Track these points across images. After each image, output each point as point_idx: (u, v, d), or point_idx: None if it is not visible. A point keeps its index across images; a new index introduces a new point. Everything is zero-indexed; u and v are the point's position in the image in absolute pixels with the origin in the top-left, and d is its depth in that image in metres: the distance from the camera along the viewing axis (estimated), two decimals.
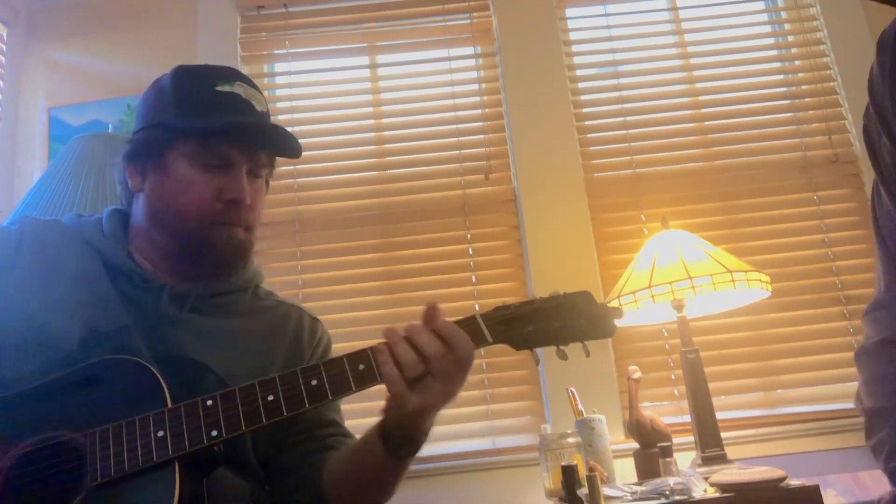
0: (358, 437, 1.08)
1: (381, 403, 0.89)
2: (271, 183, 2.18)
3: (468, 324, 0.91)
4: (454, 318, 0.91)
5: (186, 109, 1.00)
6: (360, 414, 1.70)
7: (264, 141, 1.04)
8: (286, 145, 1.05)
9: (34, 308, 0.94)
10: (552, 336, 0.92)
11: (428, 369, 0.83)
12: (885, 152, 0.77)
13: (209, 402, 0.84)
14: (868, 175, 2.10)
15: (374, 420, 0.93)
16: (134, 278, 1.00)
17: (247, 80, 1.05)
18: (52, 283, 0.97)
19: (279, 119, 2.27)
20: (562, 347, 0.92)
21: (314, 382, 0.85)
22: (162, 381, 0.86)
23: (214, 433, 0.82)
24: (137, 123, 1.06)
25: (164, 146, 1.00)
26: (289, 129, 2.30)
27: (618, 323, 1.67)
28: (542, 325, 0.92)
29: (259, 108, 1.03)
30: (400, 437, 0.89)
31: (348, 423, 1.14)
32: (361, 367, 0.86)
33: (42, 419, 0.83)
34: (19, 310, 0.94)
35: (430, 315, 0.87)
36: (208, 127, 0.98)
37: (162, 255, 1.02)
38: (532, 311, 0.93)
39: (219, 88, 1.01)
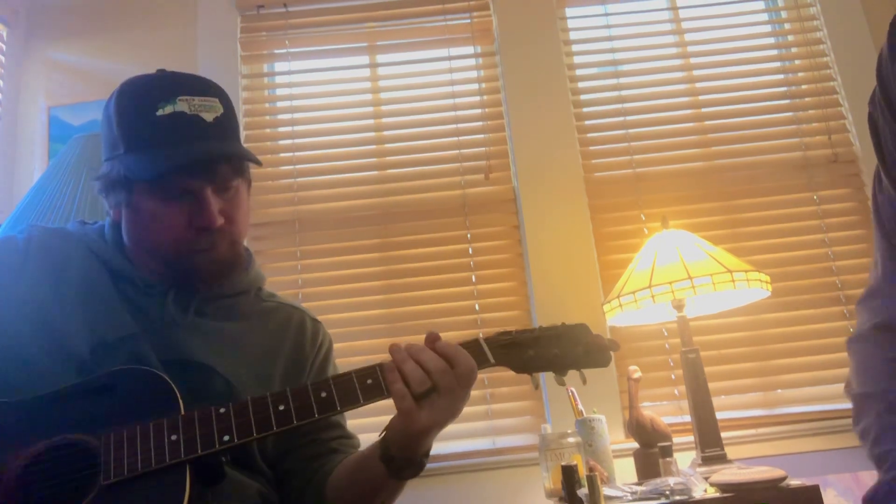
0: (360, 438, 1.12)
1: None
2: (271, 183, 2.21)
3: (472, 345, 0.95)
4: (459, 341, 0.94)
5: (132, 145, 0.96)
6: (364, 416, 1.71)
7: (218, 159, 0.98)
8: (243, 155, 1.01)
9: (44, 317, 0.95)
10: (551, 362, 0.97)
11: (434, 385, 0.86)
12: (889, 137, 0.77)
13: (222, 410, 0.86)
14: (868, 174, 2.10)
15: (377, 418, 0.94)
16: (138, 285, 1.00)
17: (192, 89, 0.98)
18: (60, 291, 0.97)
19: (279, 119, 2.27)
20: (559, 374, 0.97)
21: (324, 395, 0.88)
22: (175, 389, 0.87)
23: (226, 438, 0.84)
24: (102, 152, 1.03)
25: (126, 183, 0.97)
26: (289, 128, 2.32)
27: (609, 321, 1.68)
28: (542, 351, 0.97)
29: (210, 117, 0.97)
30: (401, 459, 0.91)
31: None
32: (369, 381, 0.89)
33: (56, 423, 0.84)
34: (30, 319, 0.95)
35: (431, 340, 0.92)
36: (154, 167, 0.94)
37: (157, 268, 1.02)
38: (532, 338, 0.98)
39: (160, 113, 0.95)
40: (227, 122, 1.00)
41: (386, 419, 0.94)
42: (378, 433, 0.95)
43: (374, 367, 0.90)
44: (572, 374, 0.97)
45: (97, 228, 1.07)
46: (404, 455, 0.91)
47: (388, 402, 0.89)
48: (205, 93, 0.99)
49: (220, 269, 1.01)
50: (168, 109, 0.95)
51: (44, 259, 1.00)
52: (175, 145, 0.95)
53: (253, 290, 1.12)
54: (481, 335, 0.97)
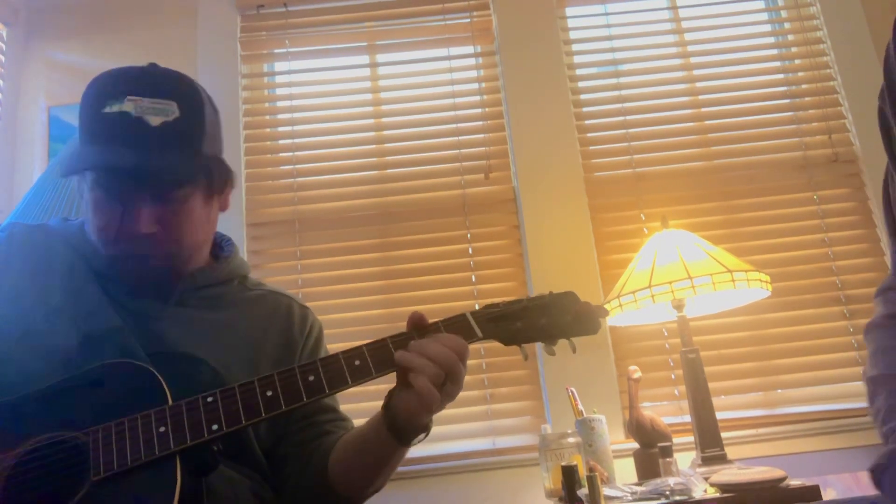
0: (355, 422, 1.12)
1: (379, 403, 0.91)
2: (271, 183, 2.21)
3: (459, 320, 0.95)
4: (446, 317, 0.94)
5: (82, 137, 0.94)
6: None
7: (136, 170, 0.92)
8: (168, 169, 0.93)
9: (28, 314, 0.95)
10: (540, 332, 0.96)
11: (447, 376, 0.87)
12: None
13: (209, 399, 0.85)
14: (868, 174, 2.10)
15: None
16: (116, 279, 1.00)
17: (147, 89, 0.94)
18: (43, 288, 0.97)
19: (279, 119, 2.27)
20: (549, 344, 0.96)
21: (311, 378, 0.88)
22: (163, 381, 0.87)
23: (215, 427, 0.83)
24: None
25: (79, 173, 0.96)
26: (289, 128, 2.32)
27: (609, 321, 1.69)
28: (530, 321, 0.96)
29: (157, 121, 0.92)
30: (411, 428, 0.92)
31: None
32: (357, 362, 0.89)
33: (45, 421, 0.84)
34: (13, 316, 0.95)
35: (416, 323, 0.92)
36: (86, 163, 0.92)
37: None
38: (520, 309, 0.97)
39: (106, 110, 0.92)
40: (180, 127, 0.94)
41: (376, 404, 0.94)
42: (370, 415, 0.95)
43: (360, 347, 0.90)
44: (563, 346, 0.97)
45: (78, 224, 1.06)
46: (412, 426, 0.92)
47: (382, 388, 0.90)
48: (160, 95, 0.94)
49: (154, 278, 0.98)
50: (115, 108, 0.92)
51: (26, 256, 1.01)
52: (109, 146, 0.92)
53: (237, 279, 1.12)
54: (468, 310, 0.97)
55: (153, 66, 1.01)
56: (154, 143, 0.92)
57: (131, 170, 0.92)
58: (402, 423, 0.91)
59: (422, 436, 0.94)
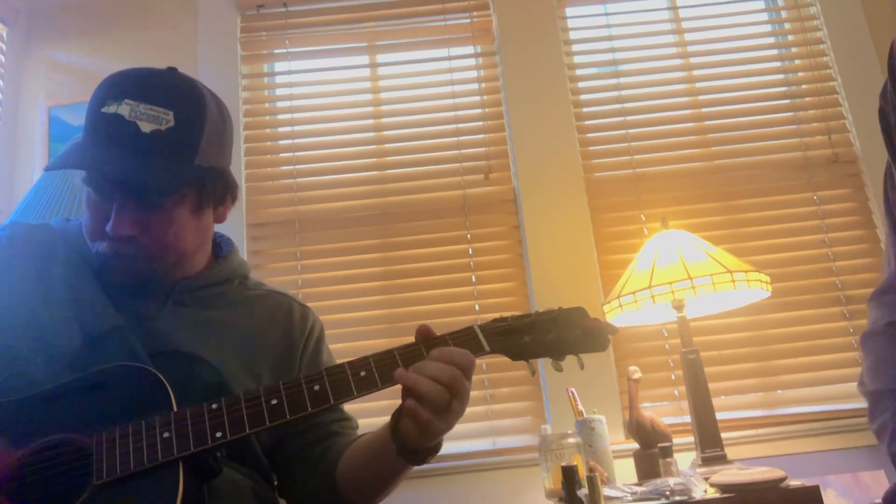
0: (359, 422, 1.13)
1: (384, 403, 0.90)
2: (271, 183, 2.21)
3: (467, 334, 0.93)
4: (454, 330, 0.93)
5: (83, 132, 0.96)
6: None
7: (112, 176, 0.93)
8: (142, 179, 0.92)
9: (31, 314, 0.95)
10: (548, 347, 0.95)
11: (452, 394, 0.86)
12: None
13: (214, 406, 0.85)
14: (868, 174, 2.10)
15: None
16: (111, 278, 0.99)
17: (145, 95, 0.93)
18: (46, 287, 0.97)
19: (279, 119, 2.27)
20: (557, 360, 0.95)
21: (317, 388, 0.87)
22: (168, 386, 0.87)
23: (219, 434, 0.83)
24: None
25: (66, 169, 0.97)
26: (289, 128, 2.31)
27: (609, 322, 1.69)
28: (538, 336, 0.95)
29: (148, 128, 0.92)
30: (421, 449, 0.92)
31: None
32: (363, 373, 0.89)
33: (50, 423, 0.84)
34: (17, 316, 0.95)
35: (424, 335, 0.91)
36: (72, 160, 0.93)
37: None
38: (528, 324, 0.96)
39: (104, 109, 0.93)
40: (171, 138, 0.93)
41: (380, 403, 0.93)
42: (377, 415, 0.94)
43: (367, 358, 0.90)
44: (570, 360, 0.95)
45: (79, 224, 1.06)
46: (422, 447, 0.92)
47: (392, 390, 0.90)
48: (159, 102, 0.93)
49: (141, 278, 0.98)
50: (112, 108, 0.93)
51: (29, 256, 1.01)
52: (96, 146, 0.93)
53: (237, 279, 1.12)
54: (476, 323, 0.96)
55: (170, 70, 1.01)
56: (140, 150, 0.92)
57: (115, 172, 0.92)
58: (411, 447, 0.91)
59: (433, 454, 0.94)
